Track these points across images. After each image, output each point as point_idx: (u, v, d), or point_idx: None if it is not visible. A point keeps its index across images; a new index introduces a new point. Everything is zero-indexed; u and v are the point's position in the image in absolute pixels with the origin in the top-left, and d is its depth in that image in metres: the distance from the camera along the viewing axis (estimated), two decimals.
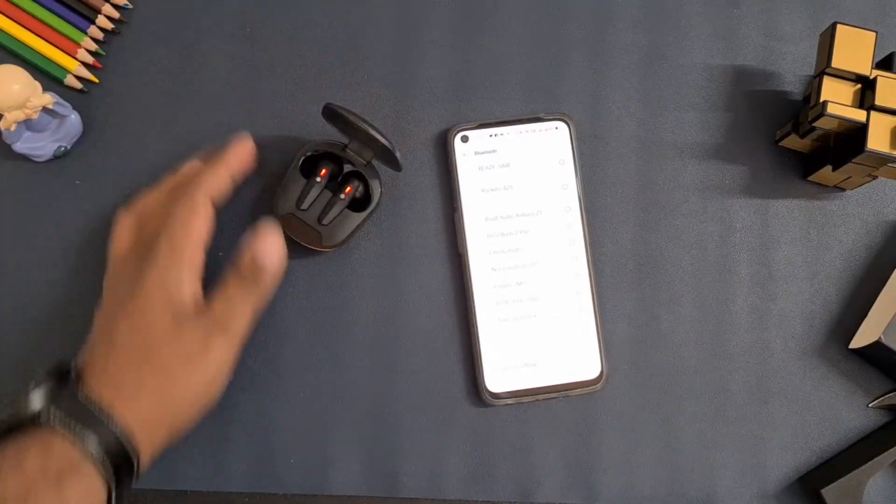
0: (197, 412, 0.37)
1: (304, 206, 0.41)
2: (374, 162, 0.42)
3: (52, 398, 0.33)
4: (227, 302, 0.37)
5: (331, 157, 0.42)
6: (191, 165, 0.42)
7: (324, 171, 0.42)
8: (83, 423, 0.33)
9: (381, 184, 0.42)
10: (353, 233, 0.42)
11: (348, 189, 0.41)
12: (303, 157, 0.42)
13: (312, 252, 0.43)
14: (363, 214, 0.42)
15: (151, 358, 0.35)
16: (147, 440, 0.34)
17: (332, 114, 0.40)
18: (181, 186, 0.40)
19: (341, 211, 0.41)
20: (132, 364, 0.35)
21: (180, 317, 0.36)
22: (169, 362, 0.35)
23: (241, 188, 0.42)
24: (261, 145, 0.43)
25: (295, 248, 0.42)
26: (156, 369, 0.35)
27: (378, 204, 0.42)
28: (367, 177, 0.42)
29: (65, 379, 0.35)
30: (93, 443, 0.32)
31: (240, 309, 0.38)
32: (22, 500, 0.30)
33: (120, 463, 0.33)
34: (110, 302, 0.38)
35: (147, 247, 0.38)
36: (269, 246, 0.38)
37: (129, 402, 0.34)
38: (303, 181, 0.42)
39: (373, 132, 0.39)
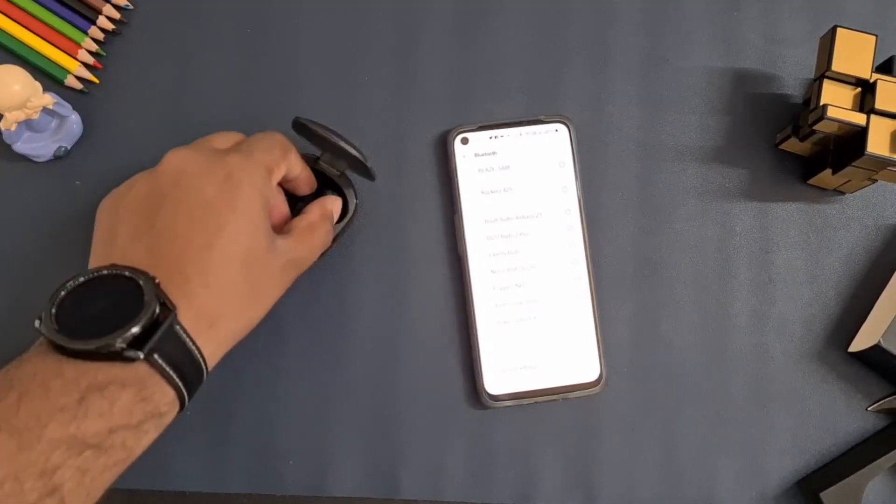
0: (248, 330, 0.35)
1: None
2: (349, 173, 0.42)
3: (150, 333, 0.30)
4: (300, 236, 0.38)
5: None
6: None
7: None
8: (177, 364, 0.30)
9: (356, 194, 0.42)
10: (333, 241, 0.41)
11: None
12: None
13: None
14: (340, 225, 0.42)
15: (243, 283, 0.33)
16: (213, 361, 0.33)
17: (301, 127, 0.39)
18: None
19: None
20: (227, 290, 0.33)
21: (271, 236, 0.35)
22: (258, 287, 0.34)
23: None
24: None
25: None
26: (246, 295, 0.34)
27: (354, 213, 0.42)
28: (342, 186, 0.42)
29: (162, 311, 0.31)
30: (181, 384, 0.31)
31: (314, 242, 0.38)
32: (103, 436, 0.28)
33: (192, 389, 0.33)
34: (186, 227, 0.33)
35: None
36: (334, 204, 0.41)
37: (216, 332, 0.33)
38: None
39: (342, 144, 0.38)
